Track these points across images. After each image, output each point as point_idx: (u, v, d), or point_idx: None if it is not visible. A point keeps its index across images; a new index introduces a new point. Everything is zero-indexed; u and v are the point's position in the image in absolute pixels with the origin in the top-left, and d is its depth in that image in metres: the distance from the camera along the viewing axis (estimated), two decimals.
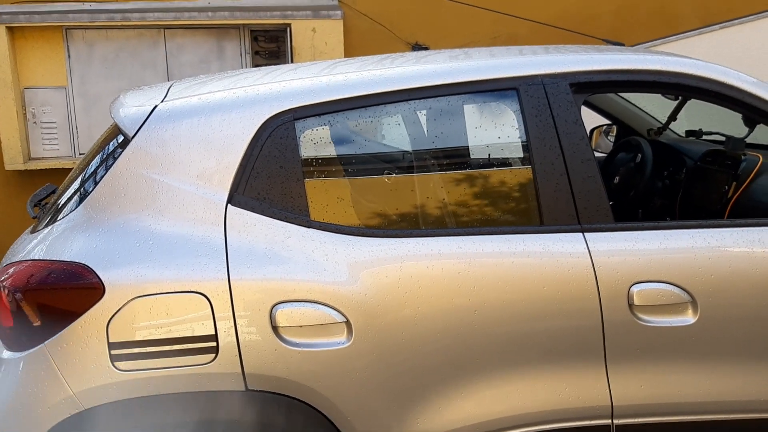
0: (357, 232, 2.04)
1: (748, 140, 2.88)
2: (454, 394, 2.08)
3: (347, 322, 1.98)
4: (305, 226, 2.01)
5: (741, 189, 2.83)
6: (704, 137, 3.31)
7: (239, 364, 1.93)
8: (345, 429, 2.02)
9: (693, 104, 3.17)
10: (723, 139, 3.12)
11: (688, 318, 2.14)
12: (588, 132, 3.87)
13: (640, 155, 3.27)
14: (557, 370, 2.12)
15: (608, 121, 3.75)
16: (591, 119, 3.82)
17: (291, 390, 1.97)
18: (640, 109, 3.49)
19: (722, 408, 2.22)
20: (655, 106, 3.44)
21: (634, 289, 2.10)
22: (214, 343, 1.92)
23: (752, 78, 2.29)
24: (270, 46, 6.36)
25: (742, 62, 5.23)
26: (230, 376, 1.94)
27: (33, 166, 5.81)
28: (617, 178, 3.39)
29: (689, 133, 3.38)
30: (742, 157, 2.88)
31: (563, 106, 2.16)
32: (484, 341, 2.07)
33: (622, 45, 2.86)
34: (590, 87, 2.24)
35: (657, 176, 3.29)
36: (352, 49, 5.95)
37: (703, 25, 5.53)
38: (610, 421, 2.16)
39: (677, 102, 3.21)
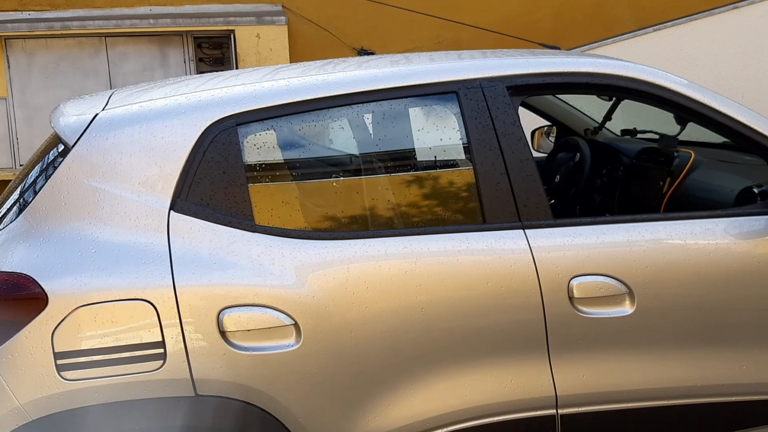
0: (303, 236, 2.07)
1: (681, 137, 3.01)
2: (405, 392, 2.12)
3: (296, 325, 1.99)
4: (250, 231, 2.03)
5: (675, 184, 2.95)
6: (639, 136, 3.43)
7: (188, 370, 1.93)
8: (293, 428, 2.03)
9: (627, 104, 3.29)
10: (657, 137, 3.25)
11: (626, 308, 2.22)
12: (529, 133, 4.00)
13: (578, 154, 3.38)
14: (503, 362, 2.18)
15: (548, 123, 3.86)
16: (532, 121, 3.93)
17: (242, 394, 1.98)
18: (577, 109, 3.60)
19: (666, 394, 2.30)
20: (591, 107, 3.56)
21: (574, 282, 2.18)
22: (162, 350, 1.91)
23: (680, 78, 2.39)
24: (214, 53, 6.33)
25: (676, 63, 5.44)
26: (179, 382, 1.93)
27: None
28: (558, 177, 3.49)
29: (625, 132, 3.51)
30: (675, 153, 3.01)
31: (501, 108, 2.22)
32: (432, 338, 2.11)
33: (558, 48, 2.95)
34: (527, 89, 2.31)
35: (596, 174, 3.40)
36: (297, 55, 5.97)
37: (638, 28, 5.72)
38: (555, 411, 2.22)
39: (611, 102, 3.32)
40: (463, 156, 2.26)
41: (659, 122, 3.14)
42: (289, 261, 2.02)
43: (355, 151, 2.42)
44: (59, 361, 1.87)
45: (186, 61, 6.16)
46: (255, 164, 2.14)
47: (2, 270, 1.90)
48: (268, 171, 2.19)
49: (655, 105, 2.41)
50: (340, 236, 2.10)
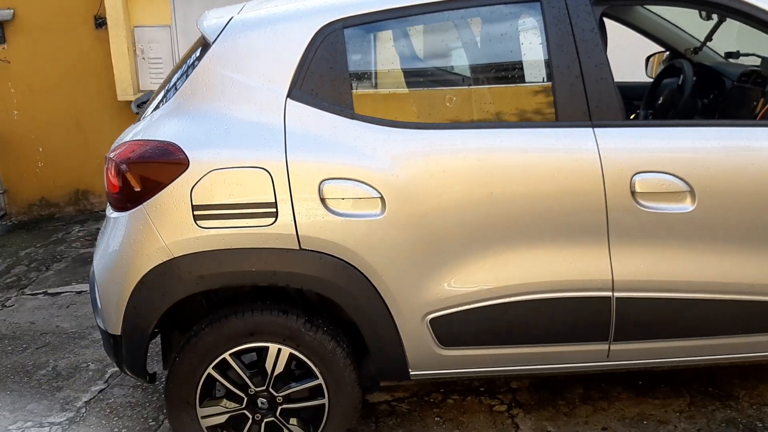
0: (393, 124, 2.42)
1: None
2: (475, 263, 2.45)
3: (381, 198, 2.38)
4: (349, 118, 2.41)
5: None
6: (742, 58, 3.45)
7: (294, 227, 2.37)
8: (379, 285, 2.43)
9: (730, 26, 3.31)
10: (759, 60, 3.27)
11: (687, 206, 2.41)
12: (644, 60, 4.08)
13: (681, 77, 3.46)
14: (565, 246, 2.45)
15: (661, 48, 3.91)
16: (648, 47, 4.00)
17: (336, 252, 2.40)
18: (684, 31, 3.64)
19: (721, 289, 2.49)
20: (697, 28, 3.57)
21: (636, 177, 2.39)
22: (274, 209, 2.37)
23: None
24: None
25: None
26: (287, 237, 2.38)
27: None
28: (661, 98, 3.59)
29: (728, 54, 3.53)
30: None
31: (582, 15, 2.44)
32: (500, 219, 2.42)
33: None
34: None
35: (699, 96, 3.47)
36: None
37: None
38: (611, 293, 2.47)
39: (714, 23, 3.36)
40: (543, 58, 2.49)
41: (763, 46, 3.16)
42: (380, 145, 2.40)
43: (443, 53, 2.73)
44: (196, 212, 2.37)
45: None
46: (357, 61, 2.51)
47: (157, 139, 2.42)
48: (367, 68, 2.56)
49: (735, 18, 2.51)
50: (425, 126, 2.44)
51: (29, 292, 4.75)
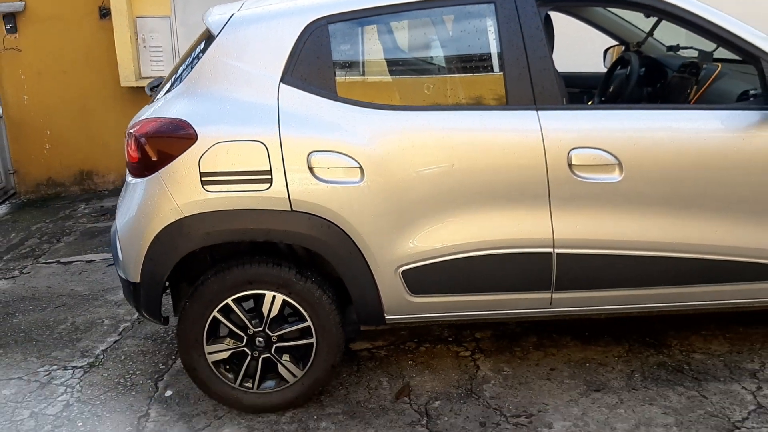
0: (371, 106, 2.88)
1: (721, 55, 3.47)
2: (439, 224, 2.91)
3: (360, 168, 2.83)
4: (333, 100, 2.87)
5: (700, 92, 3.47)
6: (684, 51, 3.91)
7: (286, 192, 2.83)
8: (358, 242, 2.89)
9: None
10: (697, 53, 3.73)
11: (615, 176, 2.87)
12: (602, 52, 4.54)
13: (629, 68, 3.92)
14: (514, 209, 2.90)
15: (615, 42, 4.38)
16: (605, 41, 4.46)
17: (322, 213, 2.85)
18: (634, 26, 4.10)
19: (646, 246, 2.95)
20: (647, 24, 4.03)
21: (573, 152, 2.86)
22: (269, 176, 2.81)
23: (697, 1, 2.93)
24: None
25: None
26: (280, 200, 2.83)
27: (143, 83, 6.87)
28: (611, 88, 4.06)
29: (669, 48, 3.99)
30: (704, 66, 3.51)
31: (529, 15, 2.89)
32: (460, 187, 2.87)
33: None
34: (551, 1, 2.96)
35: (645, 85, 3.94)
36: None
37: None
38: (552, 249, 2.94)
39: (655, 20, 3.82)
40: (497, 51, 2.95)
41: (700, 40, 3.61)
42: (359, 123, 2.85)
43: (413, 46, 3.18)
44: (203, 179, 2.82)
45: None
46: (339, 52, 2.96)
47: (170, 116, 2.87)
48: (348, 58, 3.01)
49: (660, 17, 2.98)
50: (398, 108, 2.90)
51: (43, 261, 5.21)
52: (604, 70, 4.32)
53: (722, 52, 3.43)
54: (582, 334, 3.64)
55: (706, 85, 3.44)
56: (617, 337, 3.60)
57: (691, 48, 3.78)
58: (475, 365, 3.43)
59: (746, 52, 2.93)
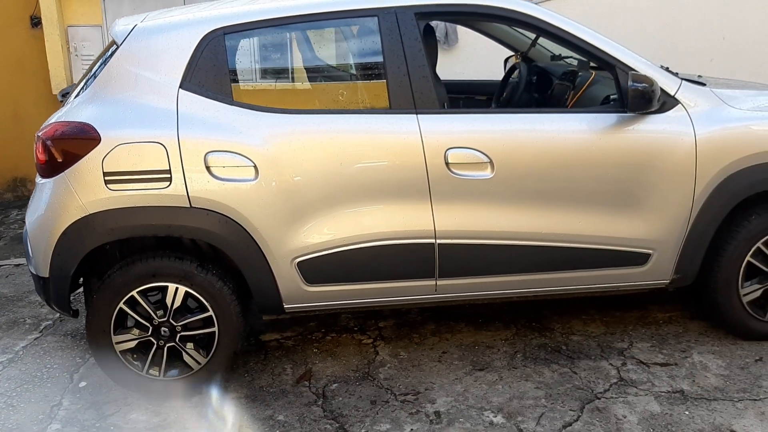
0: (264, 110, 3.13)
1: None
2: (329, 218, 3.17)
3: (255, 166, 3.07)
4: (229, 104, 3.11)
5: (576, 97, 3.81)
6: (567, 60, 4.27)
7: (185, 189, 3.05)
8: (255, 235, 3.13)
9: None
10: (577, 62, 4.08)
11: (487, 173, 3.17)
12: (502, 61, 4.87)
13: (518, 76, 4.26)
14: (398, 204, 3.18)
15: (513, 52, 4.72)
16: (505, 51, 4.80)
17: (219, 209, 3.09)
18: (526, 37, 4.44)
19: (517, 236, 3.25)
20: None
21: (449, 152, 3.15)
22: (169, 175, 3.04)
23: (547, 10, 3.26)
24: None
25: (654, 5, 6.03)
26: (180, 197, 3.06)
27: None
28: (505, 94, 4.39)
29: (553, 57, 4.34)
30: (579, 74, 3.85)
31: (409, 27, 3.18)
32: (348, 185, 3.14)
33: None
34: (429, 15, 3.27)
35: (534, 91, 4.28)
36: None
37: None
38: (434, 240, 3.22)
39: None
40: (379, 60, 3.23)
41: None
42: (253, 125, 3.10)
43: (305, 55, 3.45)
44: (106, 178, 3.02)
45: None
46: (234, 60, 3.21)
47: (76, 120, 3.07)
48: (243, 65, 3.26)
49: (528, 30, 3.29)
50: (289, 111, 3.15)
51: None
52: None
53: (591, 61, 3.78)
54: (476, 320, 3.94)
55: (581, 91, 3.78)
56: (507, 322, 3.91)
57: (572, 57, 4.12)
58: (375, 351, 3.69)
59: (603, 61, 3.27)
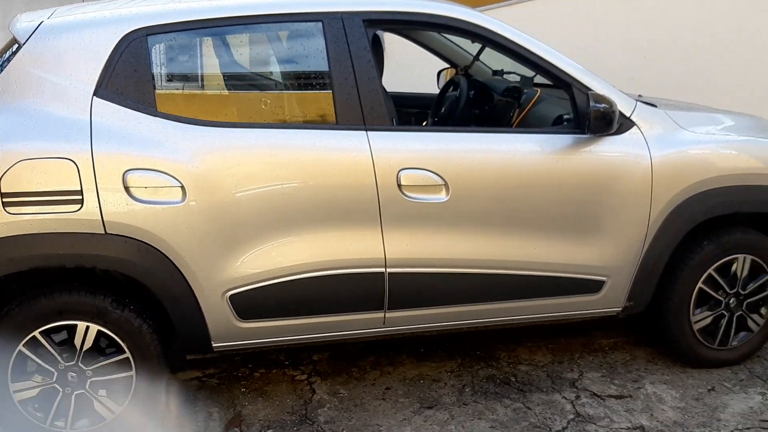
0: (193, 122, 2.74)
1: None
2: (267, 246, 2.82)
3: (182, 187, 2.69)
4: (152, 115, 2.71)
5: (522, 115, 3.64)
6: (508, 76, 4.11)
7: (99, 213, 2.63)
8: (181, 265, 2.74)
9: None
10: (519, 78, 3.92)
11: (442, 196, 2.93)
12: (437, 73, 4.66)
13: (458, 91, 4.05)
14: (345, 230, 2.87)
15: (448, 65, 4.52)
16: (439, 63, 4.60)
17: (139, 235, 2.68)
18: (465, 50, 4.25)
19: (472, 264, 3.02)
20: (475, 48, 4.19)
21: (402, 173, 2.88)
22: (80, 197, 2.61)
23: (503, 23, 3.06)
24: None
25: (585, 23, 6.06)
26: (92, 222, 2.63)
27: None
28: (443, 109, 4.18)
29: (494, 72, 4.18)
30: (525, 91, 3.69)
31: (356, 35, 2.89)
32: (289, 209, 2.81)
33: None
34: (379, 23, 2.99)
35: (474, 107, 4.09)
36: None
37: None
38: (384, 269, 2.94)
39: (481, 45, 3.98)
40: (324, 70, 2.92)
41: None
42: (180, 140, 2.71)
43: (239, 61, 3.09)
44: (4, 200, 2.56)
45: None
46: (159, 65, 2.81)
47: None
48: (169, 71, 2.87)
49: (482, 43, 3.08)
50: (223, 125, 2.78)
51: None
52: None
53: (542, 78, 3.63)
54: (417, 351, 3.68)
55: (527, 109, 3.61)
56: (450, 351, 3.67)
57: (513, 73, 3.96)
58: (311, 389, 3.36)
59: (559, 79, 3.10)
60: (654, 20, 6.08)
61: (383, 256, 2.93)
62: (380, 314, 3.01)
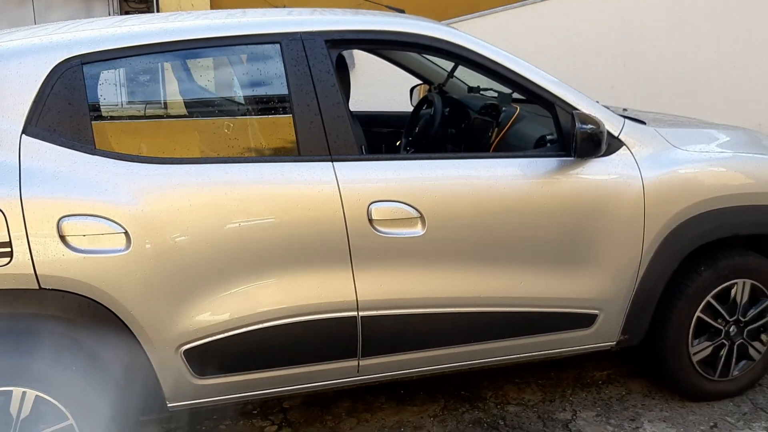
0: (136, 159, 2.45)
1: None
2: (225, 294, 2.53)
3: (126, 233, 2.39)
4: (90, 154, 2.40)
5: (501, 134, 3.39)
6: (485, 92, 3.86)
7: (32, 267, 2.32)
8: (128, 321, 2.44)
9: None
10: (496, 94, 3.67)
11: (418, 230, 2.66)
12: (408, 90, 4.41)
13: (432, 109, 3.79)
14: (311, 272, 2.59)
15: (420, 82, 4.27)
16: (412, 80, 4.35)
17: (79, 289, 2.37)
18: (440, 67, 4.00)
19: (453, 303, 2.76)
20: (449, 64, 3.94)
21: (373, 206, 2.60)
22: (9, 249, 2.29)
23: (479, 39, 2.81)
24: (140, 7, 6.59)
25: (558, 33, 5.86)
26: (25, 277, 2.32)
27: None
28: (417, 128, 3.91)
29: (470, 89, 3.93)
30: (503, 108, 3.43)
31: (319, 58, 2.62)
32: (248, 251, 2.52)
33: (403, 12, 3.33)
34: (343, 43, 2.71)
35: (449, 126, 3.83)
36: None
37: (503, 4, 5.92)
38: (356, 313, 2.66)
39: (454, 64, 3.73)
40: (284, 96, 2.64)
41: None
42: (122, 180, 2.41)
43: (187, 90, 2.80)
44: None
45: (110, 14, 6.41)
46: (97, 97, 2.51)
47: None
48: (108, 104, 2.57)
49: (455, 61, 2.82)
50: (170, 161, 2.49)
51: None
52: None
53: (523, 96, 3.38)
54: (397, 393, 3.40)
55: (506, 128, 3.36)
56: (432, 393, 3.40)
57: (491, 89, 3.71)
58: None
59: (541, 98, 2.85)
60: (630, 27, 5.90)
61: (355, 299, 2.65)
62: (354, 362, 2.73)
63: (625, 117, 3.04)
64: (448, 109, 3.84)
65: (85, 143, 2.41)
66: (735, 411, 3.17)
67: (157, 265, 2.43)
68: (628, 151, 2.90)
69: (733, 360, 3.17)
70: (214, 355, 2.56)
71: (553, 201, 2.79)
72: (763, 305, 3.14)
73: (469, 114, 3.75)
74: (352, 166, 2.62)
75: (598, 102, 3.01)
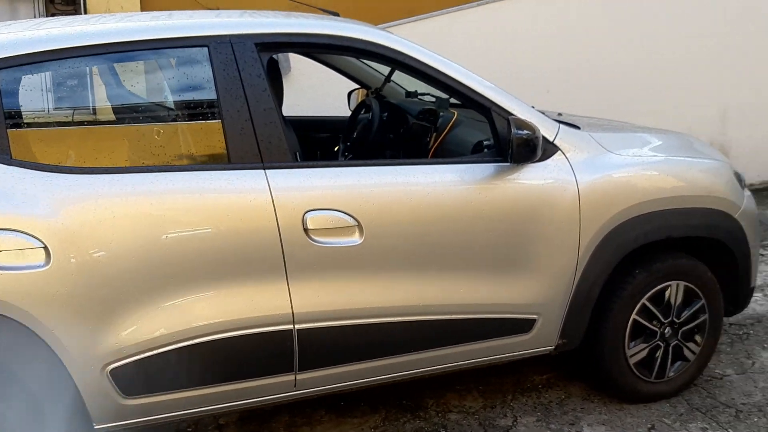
0: (56, 169, 2.32)
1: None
2: (152, 310, 2.42)
3: (45, 248, 2.25)
4: (6, 164, 2.26)
5: (439, 139, 3.35)
6: (423, 97, 3.83)
7: None
8: (49, 340, 2.30)
9: None
10: (434, 99, 3.64)
11: (356, 239, 2.60)
12: (347, 94, 4.34)
13: (370, 113, 3.74)
14: (243, 285, 2.50)
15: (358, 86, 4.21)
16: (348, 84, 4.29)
17: None
18: (377, 71, 3.95)
19: (393, 312, 2.70)
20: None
21: (308, 215, 2.53)
22: None
23: (413, 43, 2.77)
24: (67, 9, 6.33)
25: (498, 38, 5.90)
26: None
27: None
28: (355, 133, 3.85)
29: (408, 94, 3.89)
30: (441, 113, 3.41)
31: (249, 62, 2.53)
32: (176, 264, 2.41)
33: (337, 15, 3.27)
34: (274, 46, 2.64)
35: (388, 131, 3.78)
36: None
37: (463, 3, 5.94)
38: (292, 326, 2.58)
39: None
40: (212, 102, 2.54)
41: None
42: (41, 191, 2.28)
43: (112, 96, 2.68)
44: None
45: (36, 16, 6.15)
46: (13, 104, 2.37)
47: None
48: (26, 110, 2.43)
49: (390, 66, 2.77)
50: (92, 171, 2.36)
51: None
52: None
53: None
54: (337, 405, 3.33)
55: (444, 133, 3.33)
56: (373, 403, 3.33)
57: (428, 94, 3.68)
58: None
59: (477, 103, 2.83)
60: (567, 32, 5.99)
61: (290, 311, 2.57)
62: (290, 377, 2.65)
63: (560, 122, 3.05)
64: (386, 114, 3.79)
65: (0, 153, 2.26)
66: (672, 412, 3.21)
67: (79, 281, 2.31)
68: (564, 156, 2.90)
69: (669, 361, 3.21)
70: (143, 374, 2.44)
71: (490, 207, 2.77)
72: (697, 306, 3.20)
73: (407, 119, 3.70)
74: (285, 174, 2.54)
75: (533, 107, 3.01)
